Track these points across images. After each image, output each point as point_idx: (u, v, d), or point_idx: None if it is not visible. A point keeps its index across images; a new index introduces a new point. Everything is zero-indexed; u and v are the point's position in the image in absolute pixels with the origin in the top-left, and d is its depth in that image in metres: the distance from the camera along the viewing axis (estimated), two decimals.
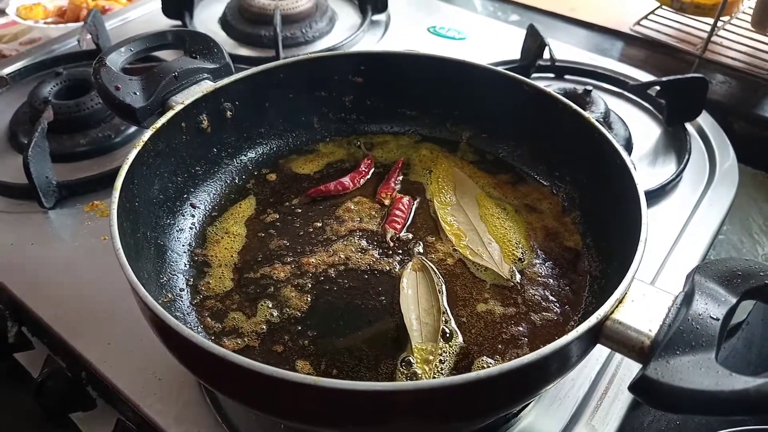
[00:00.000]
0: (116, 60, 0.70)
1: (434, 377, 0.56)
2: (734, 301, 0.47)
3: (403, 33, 1.21)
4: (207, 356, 0.44)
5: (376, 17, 1.24)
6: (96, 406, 0.71)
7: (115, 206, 0.54)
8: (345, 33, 1.20)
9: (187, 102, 0.68)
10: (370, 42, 1.19)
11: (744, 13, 1.24)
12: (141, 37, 0.74)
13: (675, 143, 0.95)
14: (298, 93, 0.80)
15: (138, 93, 0.68)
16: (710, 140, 0.97)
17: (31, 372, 0.80)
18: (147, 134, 0.63)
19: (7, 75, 1.03)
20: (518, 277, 0.66)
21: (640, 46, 1.23)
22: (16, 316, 0.75)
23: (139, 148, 0.61)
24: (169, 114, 0.66)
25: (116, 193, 0.56)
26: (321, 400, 0.44)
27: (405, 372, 0.56)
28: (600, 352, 0.66)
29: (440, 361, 0.57)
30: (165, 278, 0.63)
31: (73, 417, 0.74)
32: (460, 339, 0.60)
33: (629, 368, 0.65)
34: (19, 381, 0.80)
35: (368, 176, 0.79)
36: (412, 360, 0.57)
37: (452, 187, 0.76)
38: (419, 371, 0.56)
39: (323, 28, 1.19)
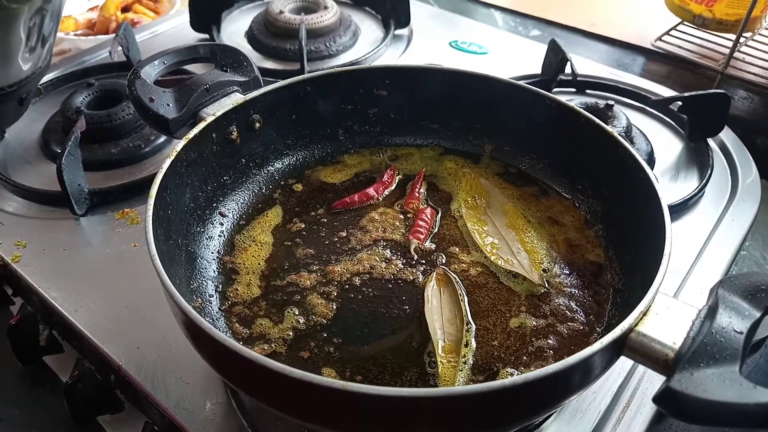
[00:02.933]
0: (150, 72, 0.73)
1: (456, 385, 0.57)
2: (758, 315, 0.48)
3: (425, 47, 1.23)
4: (239, 359, 0.45)
5: (398, 32, 1.26)
6: (124, 410, 0.72)
7: (150, 213, 0.56)
8: (368, 47, 1.22)
9: (218, 114, 0.70)
10: (392, 56, 1.21)
11: (766, 29, 1.24)
12: (173, 50, 0.76)
13: (697, 158, 0.95)
14: (323, 106, 0.81)
15: (171, 104, 0.70)
16: (732, 156, 0.97)
17: (59, 375, 0.82)
18: (180, 144, 0.65)
19: (40, 85, 1.06)
20: (546, 284, 0.67)
21: (662, 62, 1.24)
22: (47, 319, 0.77)
23: (172, 157, 0.63)
24: (201, 125, 0.68)
25: (151, 201, 0.58)
26: (348, 405, 0.45)
27: (431, 371, 0.58)
28: (622, 365, 0.66)
29: (463, 365, 0.58)
30: (195, 284, 0.65)
31: (101, 420, 0.75)
32: (483, 348, 0.60)
33: (651, 381, 0.66)
34: (47, 384, 0.82)
35: (392, 187, 0.80)
36: (436, 363, 0.58)
37: (480, 197, 0.77)
38: (442, 382, 0.57)
39: (347, 42, 1.21)
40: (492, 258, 0.69)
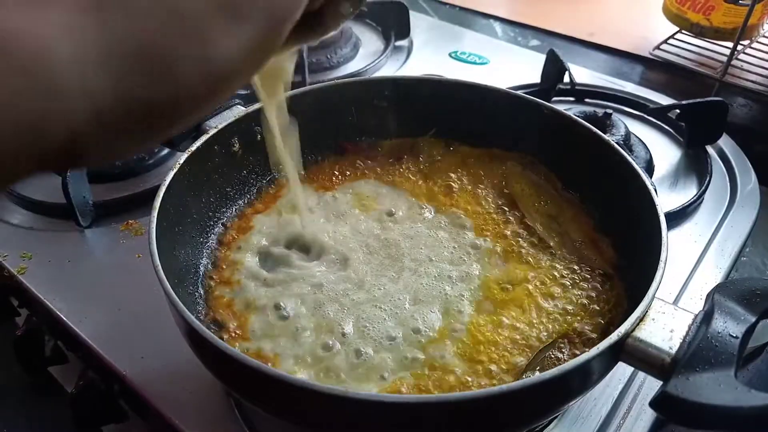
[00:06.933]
0: None
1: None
2: (753, 319, 0.48)
3: (425, 58, 1.24)
4: (242, 368, 0.46)
5: (398, 43, 1.28)
6: (128, 419, 0.73)
7: (153, 225, 0.57)
8: (369, 58, 1.23)
9: (220, 126, 0.71)
10: (393, 67, 1.22)
11: (764, 36, 1.25)
12: None
13: (696, 166, 0.96)
14: (325, 117, 0.82)
15: None
16: (731, 163, 0.98)
17: (64, 385, 0.82)
18: (183, 157, 0.66)
19: None
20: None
21: (660, 70, 1.25)
22: (52, 330, 0.78)
23: (175, 170, 0.64)
24: (203, 138, 0.69)
25: (155, 212, 0.59)
26: (351, 411, 0.46)
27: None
28: (623, 371, 0.67)
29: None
30: (197, 295, 0.66)
31: (106, 430, 0.76)
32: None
33: (652, 387, 0.66)
34: (53, 394, 0.82)
35: None
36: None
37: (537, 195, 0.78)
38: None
39: (348, 54, 1.22)
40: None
